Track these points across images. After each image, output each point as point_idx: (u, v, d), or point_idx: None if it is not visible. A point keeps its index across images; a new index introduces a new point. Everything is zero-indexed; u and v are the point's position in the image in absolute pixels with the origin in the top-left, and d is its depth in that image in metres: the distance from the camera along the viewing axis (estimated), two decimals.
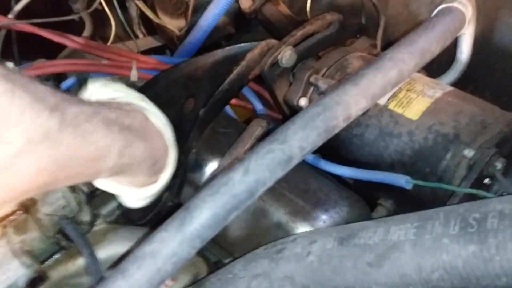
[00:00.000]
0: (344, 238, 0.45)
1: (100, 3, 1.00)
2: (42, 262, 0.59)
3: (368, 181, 0.64)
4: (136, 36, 1.13)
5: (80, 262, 0.62)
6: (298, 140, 0.45)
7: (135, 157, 0.49)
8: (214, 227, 0.42)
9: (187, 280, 0.67)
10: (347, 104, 0.50)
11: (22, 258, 0.56)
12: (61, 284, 0.60)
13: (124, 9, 1.09)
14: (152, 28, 1.16)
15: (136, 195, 0.58)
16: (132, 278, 0.39)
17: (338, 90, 0.50)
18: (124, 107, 0.52)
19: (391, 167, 0.65)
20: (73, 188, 0.62)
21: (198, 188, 0.72)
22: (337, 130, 0.49)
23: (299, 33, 0.74)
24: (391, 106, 0.66)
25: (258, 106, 0.84)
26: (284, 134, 0.45)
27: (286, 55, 0.72)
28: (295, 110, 0.75)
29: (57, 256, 0.60)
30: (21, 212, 0.57)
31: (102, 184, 0.55)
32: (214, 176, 0.66)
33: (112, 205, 0.68)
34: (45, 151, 0.36)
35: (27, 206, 0.58)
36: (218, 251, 0.71)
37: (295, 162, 0.46)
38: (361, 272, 0.42)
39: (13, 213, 0.57)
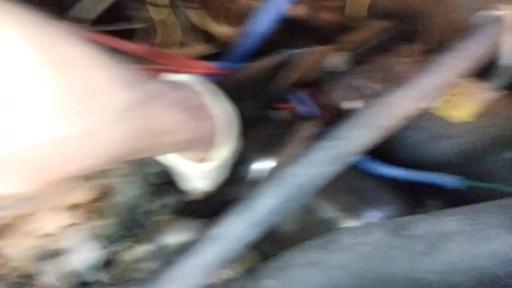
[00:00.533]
0: (397, 229, 0.48)
1: (156, 12, 1.07)
2: (116, 246, 0.65)
3: (417, 182, 0.67)
4: (189, 44, 1.19)
5: (147, 248, 0.67)
6: (354, 138, 0.49)
7: (196, 132, 0.54)
8: (277, 214, 0.46)
9: (241, 269, 0.71)
10: (400, 106, 0.53)
11: (100, 241, 0.62)
12: (130, 267, 0.66)
13: (178, 17, 1.15)
14: (204, 36, 1.21)
15: (194, 169, 0.62)
16: (203, 258, 0.44)
17: (391, 92, 0.54)
18: (185, 88, 0.58)
19: (441, 169, 0.67)
20: (145, 180, 0.68)
21: (248, 186, 0.77)
22: (390, 130, 0.52)
23: (350, 39, 0.78)
24: (441, 109, 0.69)
25: (306, 110, 0.88)
26: (341, 131, 0.49)
27: (337, 60, 0.76)
28: (343, 114, 0.78)
29: (127, 241, 0.66)
30: (101, 198, 0.63)
31: (165, 158, 0.60)
32: (271, 171, 0.70)
33: (176, 198, 0.74)
34: (127, 122, 0.40)
35: (106, 194, 0.63)
36: (269, 245, 0.75)
37: (351, 158, 0.49)
38: (413, 260, 0.44)
39: (95, 199, 0.63)
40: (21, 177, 0.32)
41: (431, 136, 0.68)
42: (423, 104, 0.57)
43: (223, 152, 0.62)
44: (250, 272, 0.65)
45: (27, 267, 0.63)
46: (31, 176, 0.33)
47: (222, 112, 0.62)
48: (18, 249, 0.61)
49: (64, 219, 0.61)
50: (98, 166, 0.41)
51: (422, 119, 0.70)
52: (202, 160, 0.61)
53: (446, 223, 0.44)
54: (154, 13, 1.10)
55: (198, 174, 0.63)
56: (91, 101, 0.35)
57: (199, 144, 0.58)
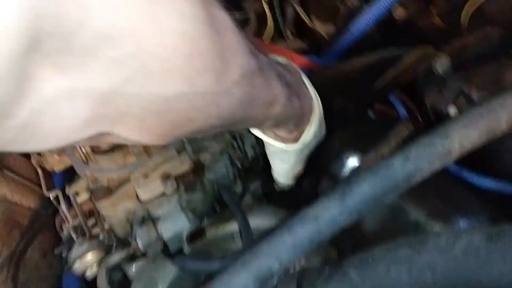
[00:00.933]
0: (493, 234, 0.46)
1: (262, 5, 1.10)
2: (201, 221, 0.67)
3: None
4: (287, 37, 1.21)
5: (229, 228, 0.69)
6: (459, 137, 0.47)
7: (291, 109, 0.53)
8: (371, 203, 0.46)
9: (317, 262, 0.71)
10: (509, 109, 0.50)
11: (188, 214, 0.65)
12: (213, 244, 0.68)
13: (281, 11, 1.17)
14: (300, 31, 1.23)
15: (282, 148, 0.61)
16: (297, 235, 0.45)
17: (503, 96, 0.51)
18: (287, 65, 0.59)
19: None
20: (232, 162, 0.70)
21: (336, 180, 0.76)
22: (498, 135, 0.50)
23: (457, 43, 0.75)
24: None
25: (403, 112, 0.86)
26: (446, 129, 0.48)
27: (442, 62, 0.73)
28: (442, 118, 0.76)
29: (212, 218, 0.68)
30: (191, 173, 0.66)
31: (259, 133, 0.60)
32: (359, 167, 0.69)
33: (257, 184, 0.76)
34: (246, 87, 0.40)
35: (197, 170, 0.66)
36: (347, 242, 0.74)
37: (453, 157, 0.48)
38: (510, 268, 0.42)
39: (186, 174, 0.66)
40: (156, 128, 0.34)
41: None
42: None
43: (310, 134, 0.62)
44: (329, 263, 0.65)
45: (119, 230, 0.67)
46: (163, 129, 0.34)
47: (315, 96, 0.62)
48: (113, 212, 0.65)
49: (157, 188, 0.65)
50: (213, 129, 0.42)
51: None
52: (291, 140, 0.62)
53: None
54: (259, 6, 1.13)
55: (283, 154, 0.63)
56: (226, 62, 0.36)
57: (295, 120, 0.58)
